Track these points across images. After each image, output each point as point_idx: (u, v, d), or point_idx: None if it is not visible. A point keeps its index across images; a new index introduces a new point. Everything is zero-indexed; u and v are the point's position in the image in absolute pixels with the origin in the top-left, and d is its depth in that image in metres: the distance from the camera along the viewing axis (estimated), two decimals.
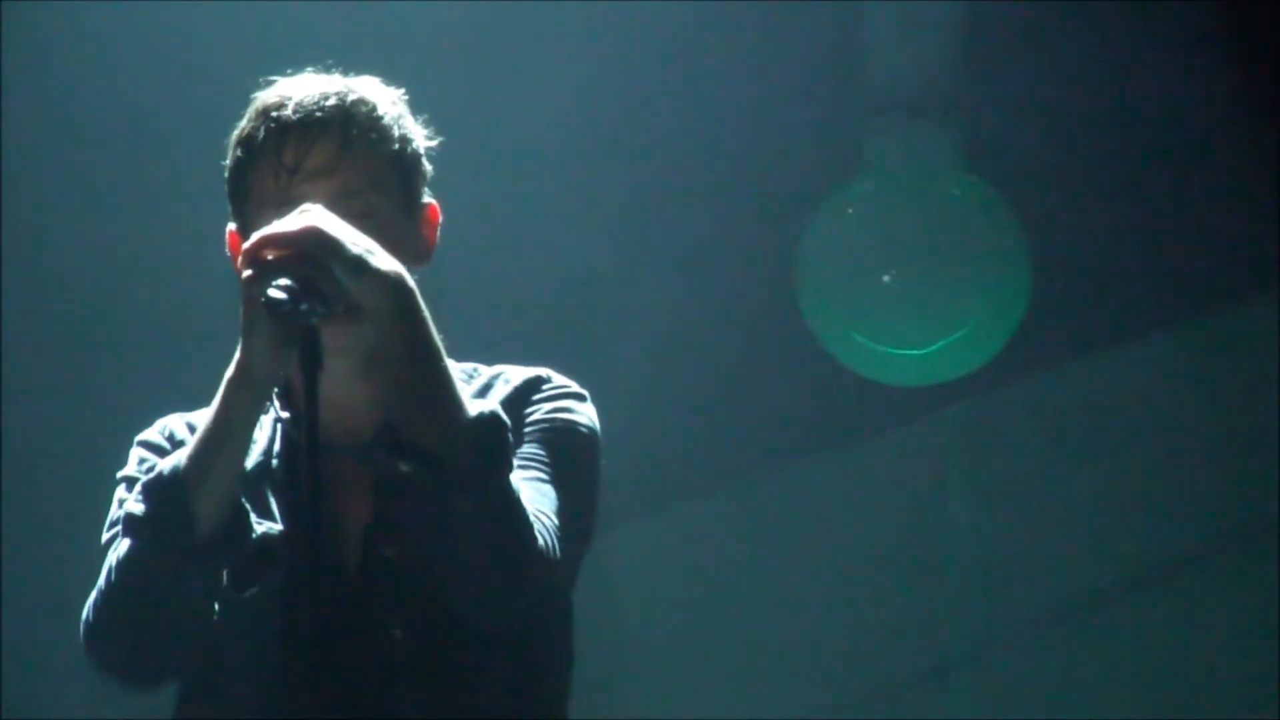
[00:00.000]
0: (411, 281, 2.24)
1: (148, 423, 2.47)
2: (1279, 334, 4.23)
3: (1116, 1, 4.09)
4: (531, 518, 2.27)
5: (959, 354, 3.96)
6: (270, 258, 2.17)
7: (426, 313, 2.26)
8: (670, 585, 4.20)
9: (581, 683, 2.51)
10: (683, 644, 4.19)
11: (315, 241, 2.18)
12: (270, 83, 2.43)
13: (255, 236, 2.19)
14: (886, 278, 3.94)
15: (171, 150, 5.09)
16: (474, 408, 2.26)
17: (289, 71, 2.57)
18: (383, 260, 2.20)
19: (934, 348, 3.98)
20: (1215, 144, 4.10)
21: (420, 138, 2.51)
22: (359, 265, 2.18)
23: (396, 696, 2.36)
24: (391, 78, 2.61)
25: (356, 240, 2.19)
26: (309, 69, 2.46)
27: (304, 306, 2.13)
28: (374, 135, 2.41)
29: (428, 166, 2.50)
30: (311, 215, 2.20)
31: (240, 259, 2.18)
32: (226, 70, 5.30)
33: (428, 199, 2.46)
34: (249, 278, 2.14)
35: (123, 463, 2.43)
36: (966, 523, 4.30)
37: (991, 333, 3.90)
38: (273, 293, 2.11)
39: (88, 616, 2.31)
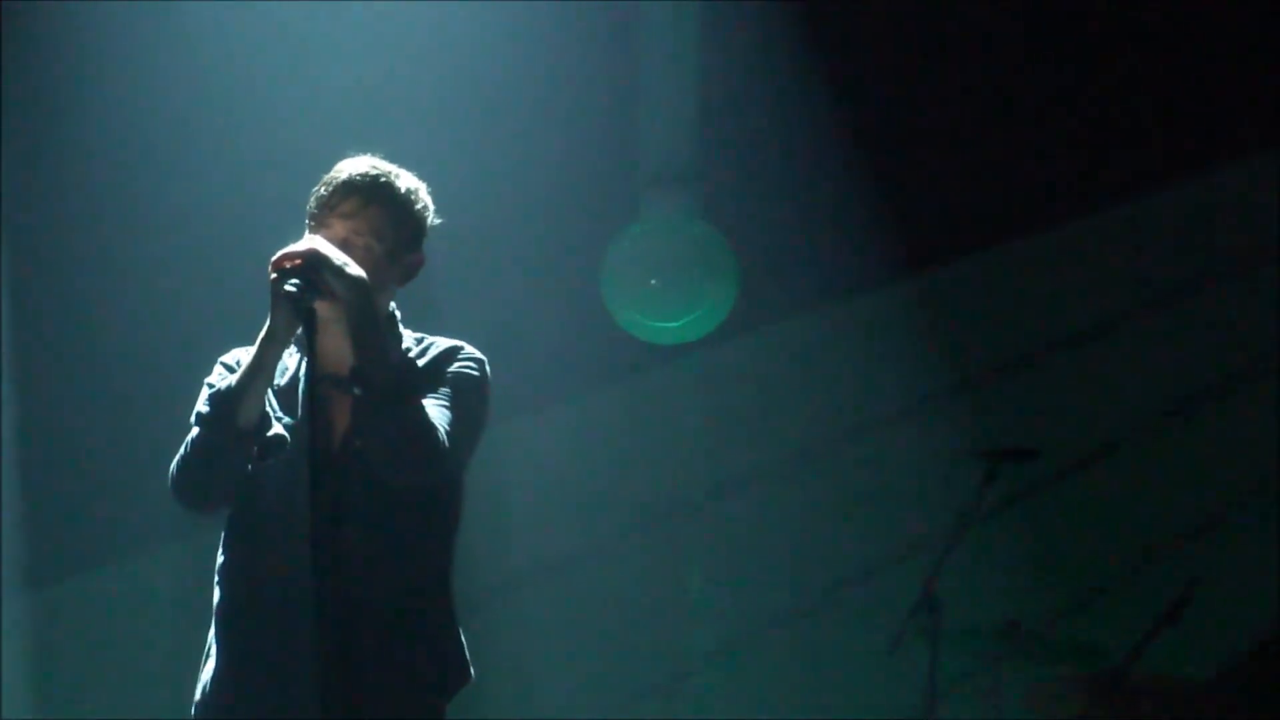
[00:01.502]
0: (368, 284, 3.37)
1: (225, 351, 3.63)
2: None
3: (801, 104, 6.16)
4: (434, 424, 3.41)
5: (695, 326, 6.32)
6: (287, 265, 3.30)
7: (374, 302, 3.40)
8: (527, 464, 6.03)
9: (469, 532, 3.73)
10: (543, 505, 6.06)
11: (312, 257, 3.30)
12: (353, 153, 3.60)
13: (278, 254, 3.30)
14: (653, 281, 6.20)
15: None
16: (397, 357, 3.46)
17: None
18: (354, 270, 3.32)
19: (680, 323, 6.34)
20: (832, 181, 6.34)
21: (424, 215, 3.66)
22: (338, 272, 3.29)
23: (353, 529, 3.48)
24: None
25: (338, 257, 3.29)
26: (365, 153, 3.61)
27: (307, 294, 3.27)
28: (386, 204, 3.53)
29: (425, 231, 3.65)
30: (313, 241, 3.33)
31: (270, 267, 3.31)
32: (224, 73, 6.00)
33: (420, 253, 3.64)
34: (275, 278, 3.30)
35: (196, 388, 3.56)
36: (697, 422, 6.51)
37: (713, 314, 6.27)
38: (288, 286, 3.27)
39: (172, 470, 3.51)
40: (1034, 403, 6.71)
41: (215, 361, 3.74)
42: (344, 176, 3.65)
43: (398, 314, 3.77)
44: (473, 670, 3.86)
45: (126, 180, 6.63)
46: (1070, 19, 6.61)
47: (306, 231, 3.66)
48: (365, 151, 3.74)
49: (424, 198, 3.74)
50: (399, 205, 3.68)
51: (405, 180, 3.70)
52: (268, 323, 3.51)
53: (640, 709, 6.67)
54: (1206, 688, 6.08)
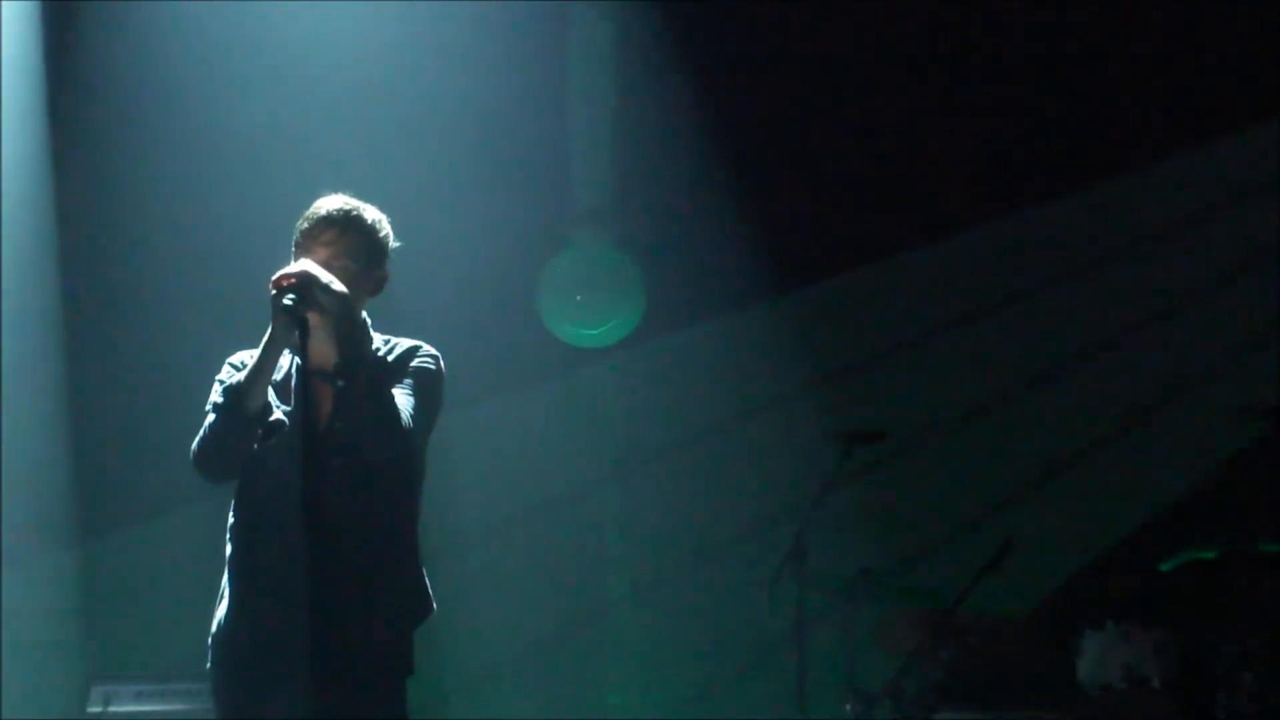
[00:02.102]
0: (349, 298, 3.83)
1: (230, 353, 4.11)
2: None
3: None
4: (400, 409, 3.89)
5: (611, 334, 7.55)
6: (284, 284, 3.74)
7: (354, 311, 3.88)
8: (479, 443, 6.81)
9: (428, 497, 4.24)
10: (490, 476, 6.84)
11: (304, 276, 3.74)
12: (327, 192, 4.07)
13: (276, 274, 3.75)
14: (579, 298, 7.34)
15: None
16: (370, 355, 3.92)
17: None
18: (338, 286, 3.77)
19: (600, 330, 7.58)
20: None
21: (387, 240, 4.13)
22: (325, 289, 3.74)
23: (335, 493, 3.91)
24: None
25: (324, 276, 3.75)
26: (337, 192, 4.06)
27: (300, 307, 3.71)
28: (357, 233, 4.02)
29: (387, 253, 4.12)
30: (304, 264, 3.78)
31: (270, 285, 3.77)
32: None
33: (385, 269, 4.11)
34: (275, 294, 3.74)
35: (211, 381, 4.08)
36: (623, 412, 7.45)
37: (625, 324, 7.52)
38: (285, 300, 3.70)
39: (193, 449, 3.99)
40: (880, 394, 7.54)
41: (224, 361, 4.22)
42: (323, 212, 4.14)
43: (368, 320, 4.20)
44: (434, 604, 4.33)
45: (166, 195, 7.34)
46: (912, 89, 7.47)
47: (293, 256, 4.12)
48: (337, 187, 4.24)
49: (385, 226, 4.24)
50: (367, 233, 4.18)
51: (370, 213, 4.19)
52: (269, 330, 3.99)
53: (568, 638, 7.36)
54: (1019, 623, 6.89)
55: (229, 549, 4.20)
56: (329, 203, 4.17)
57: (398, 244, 4.29)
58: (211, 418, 4.08)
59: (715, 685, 7.34)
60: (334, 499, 4.04)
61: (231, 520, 4.21)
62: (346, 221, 4.13)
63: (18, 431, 7.03)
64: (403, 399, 4.10)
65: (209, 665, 4.30)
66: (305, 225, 4.14)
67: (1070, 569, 7.36)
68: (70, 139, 7.40)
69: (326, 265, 4.02)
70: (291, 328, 3.94)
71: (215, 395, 4.12)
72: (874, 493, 7.30)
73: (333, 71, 7.23)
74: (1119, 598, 6.81)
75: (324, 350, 3.99)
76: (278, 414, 4.13)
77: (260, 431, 4.09)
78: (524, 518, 7.37)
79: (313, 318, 3.91)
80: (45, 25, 7.37)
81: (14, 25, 7.33)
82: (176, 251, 7.21)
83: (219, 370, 4.23)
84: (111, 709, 6.37)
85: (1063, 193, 7.38)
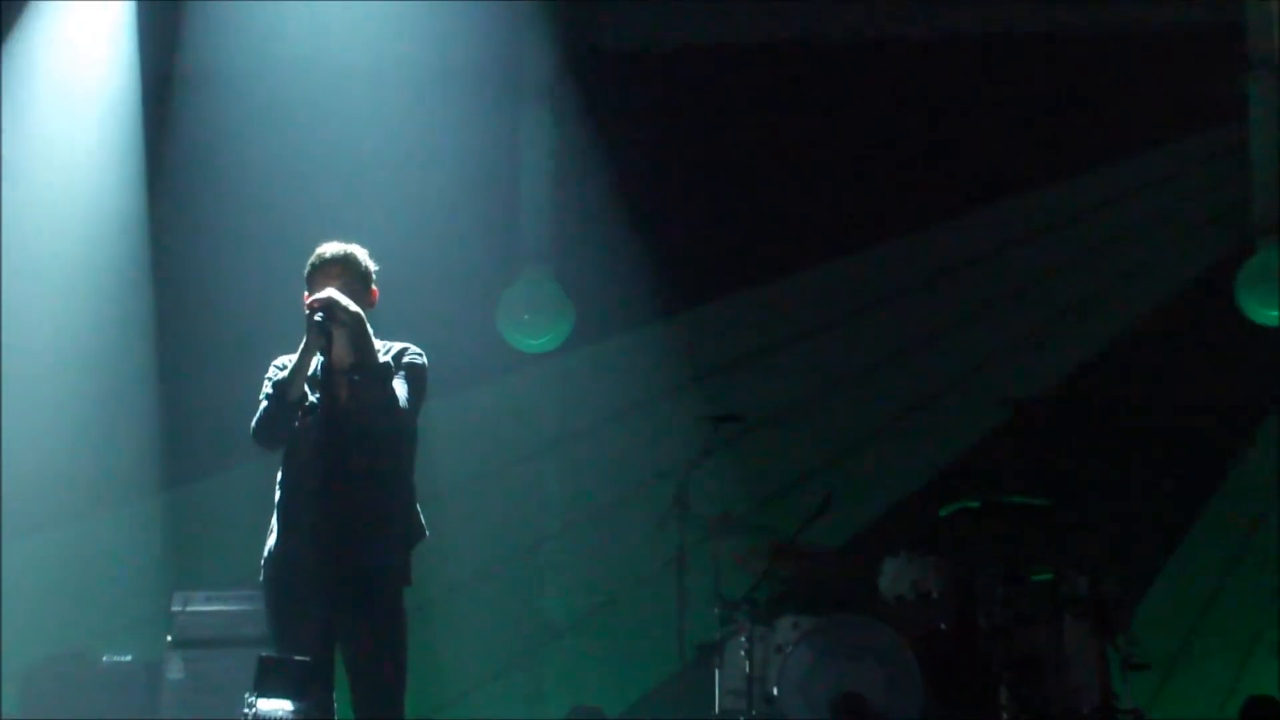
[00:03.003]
0: (361, 315, 4.38)
1: (274, 356, 4.59)
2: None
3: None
4: (397, 395, 4.44)
5: (548, 344, 8.76)
6: (315, 305, 4.35)
7: (364, 324, 4.39)
8: (447, 428, 7.10)
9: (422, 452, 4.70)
10: (453, 449, 7.51)
11: (329, 300, 4.35)
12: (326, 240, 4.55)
13: (310, 299, 4.38)
14: (525, 316, 8.56)
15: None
16: (380, 358, 4.42)
17: None
18: (353, 307, 4.36)
19: (540, 341, 8.82)
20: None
21: (371, 270, 4.57)
22: (344, 309, 4.33)
23: (352, 456, 4.41)
24: None
25: (343, 299, 4.35)
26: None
27: (328, 323, 4.32)
28: (353, 267, 4.54)
29: (373, 278, 4.58)
30: (328, 291, 4.39)
31: (305, 305, 4.39)
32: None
33: (374, 290, 4.57)
34: (309, 314, 4.34)
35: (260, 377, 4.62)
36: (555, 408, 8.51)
37: (558, 338, 8.78)
38: (316, 318, 4.30)
39: (252, 426, 4.51)
40: (741, 389, 8.56)
41: (270, 363, 4.65)
42: (328, 254, 4.62)
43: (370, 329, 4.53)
44: (426, 531, 4.72)
45: (233, 215, 8.23)
46: (767, 165, 8.62)
47: (306, 287, 4.58)
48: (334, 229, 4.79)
49: (369, 260, 4.68)
50: (361, 268, 4.66)
51: (360, 252, 4.67)
52: (305, 339, 4.45)
53: (513, 560, 8.45)
54: (838, 551, 7.72)
55: (277, 495, 4.64)
56: (330, 247, 4.65)
57: (377, 268, 4.74)
58: (264, 404, 4.57)
59: (619, 594, 8.37)
60: (351, 460, 4.46)
61: (280, 476, 4.65)
62: (346, 260, 4.64)
63: (123, 405, 8.01)
64: (399, 387, 4.54)
65: (261, 579, 4.69)
66: (316, 263, 4.62)
67: (875, 513, 8.29)
68: (162, 166, 8.27)
69: (339, 292, 4.47)
70: (320, 337, 4.41)
71: (266, 388, 4.60)
72: (734, 458, 8.13)
73: (346, 134, 8.23)
74: (910, 534, 7.49)
75: (343, 353, 4.46)
76: (311, 400, 4.54)
77: (299, 413, 4.53)
78: (485, 476, 8.46)
79: (335, 330, 4.41)
80: (144, 70, 8.15)
81: (114, 80, 8.03)
82: (240, 263, 8.06)
83: (267, 368, 4.65)
84: (189, 608, 7.23)
85: (872, 245, 8.54)
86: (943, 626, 7.17)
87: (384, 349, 4.55)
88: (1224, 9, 8.52)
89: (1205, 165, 8.72)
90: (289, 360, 4.50)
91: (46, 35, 7.96)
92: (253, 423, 4.56)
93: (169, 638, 7.25)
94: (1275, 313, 8.56)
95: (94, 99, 7.85)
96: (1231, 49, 8.62)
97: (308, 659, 4.41)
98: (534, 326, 8.88)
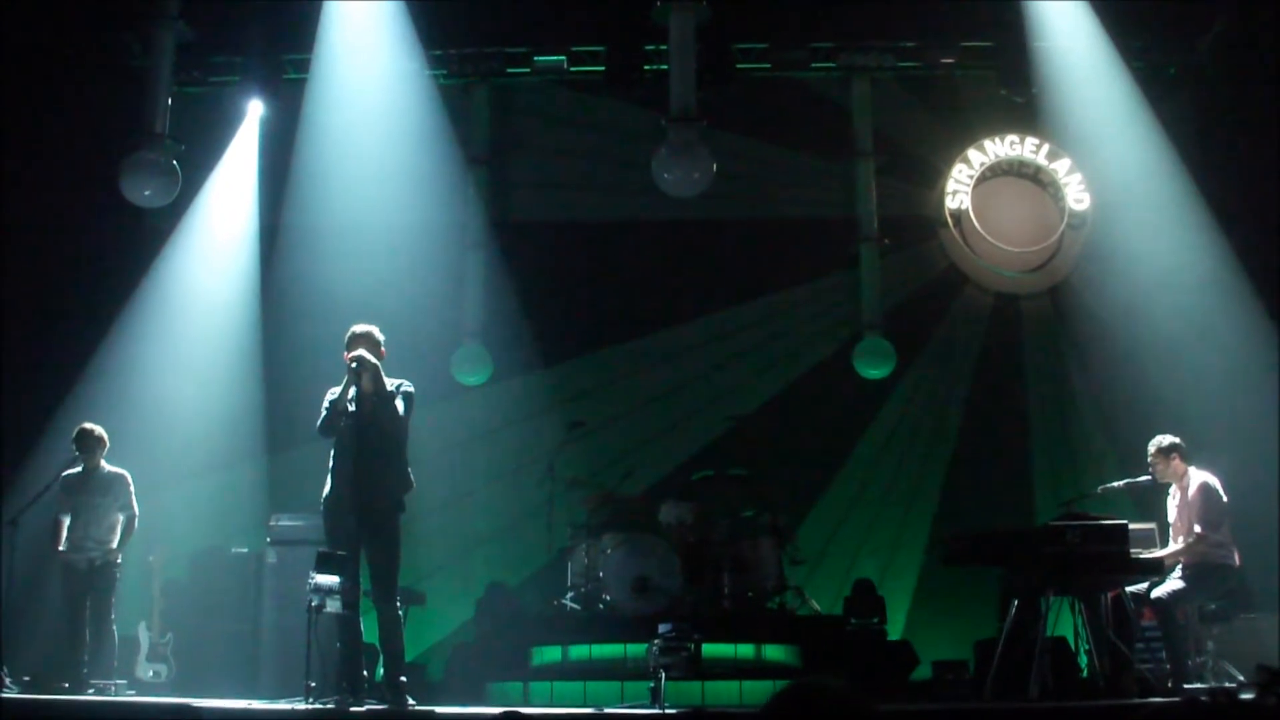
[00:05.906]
0: (378, 365, 6.92)
1: (328, 387, 6.99)
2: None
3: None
4: (399, 410, 6.95)
5: (477, 381, 11.40)
6: (351, 360, 6.93)
7: (380, 371, 6.96)
8: (440, 418, 9.42)
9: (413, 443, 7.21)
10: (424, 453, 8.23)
11: (360, 355, 6.92)
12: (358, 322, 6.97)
13: (348, 355, 6.94)
14: (466, 366, 11.27)
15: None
16: (390, 386, 7.00)
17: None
18: (372, 359, 6.94)
19: (475, 379, 11.55)
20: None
21: (380, 338, 6.99)
22: (368, 363, 6.91)
23: (371, 442, 6.93)
24: None
25: (368, 354, 6.93)
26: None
27: (359, 368, 6.95)
28: (372, 337, 7.05)
29: (381, 343, 6.97)
30: (359, 350, 6.97)
31: (346, 358, 6.97)
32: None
33: (382, 349, 6.99)
34: (349, 363, 6.90)
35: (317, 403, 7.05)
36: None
37: (483, 377, 11.44)
38: (353, 365, 6.94)
39: (317, 426, 7.08)
40: (588, 406, 10.58)
41: (326, 392, 6.48)
42: (359, 330, 6.53)
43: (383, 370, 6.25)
44: (414, 483, 6.27)
45: (314, 302, 10.16)
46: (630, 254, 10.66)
47: (345, 347, 6.41)
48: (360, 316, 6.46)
49: (380, 334, 6.56)
50: (375, 337, 6.54)
51: (374, 329, 6.55)
52: (346, 377, 6.39)
53: (446, 509, 10.38)
54: (638, 497, 9.64)
55: (330, 462, 6.50)
56: (360, 326, 6.46)
57: (384, 338, 6.42)
58: (324, 413, 6.51)
59: (516, 520, 10.56)
60: (372, 443, 6.40)
61: (332, 451, 6.47)
62: (368, 335, 6.55)
63: (243, 406, 10.20)
64: (399, 403, 6.37)
65: (322, 509, 6.41)
66: (351, 335, 6.43)
67: (658, 477, 10.57)
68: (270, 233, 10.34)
69: (366, 352, 6.29)
70: (354, 378, 6.19)
71: (324, 405, 6.43)
72: (580, 446, 10.21)
73: (371, 267, 10.46)
74: (677, 489, 9.77)
75: (367, 385, 6.28)
76: (350, 410, 6.41)
77: (343, 420, 6.28)
78: (444, 452, 10.64)
79: (363, 375, 6.24)
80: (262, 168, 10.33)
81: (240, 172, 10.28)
82: (313, 330, 9.87)
83: (325, 391, 6.43)
84: (279, 523, 9.18)
85: (656, 330, 11.19)
86: (691, 540, 9.19)
87: (389, 383, 6.46)
88: (846, 204, 11.47)
89: (837, 292, 11.49)
90: (336, 390, 6.33)
91: (203, 199, 10.93)
92: (317, 424, 6.53)
93: (268, 539, 9.19)
94: (876, 372, 11.45)
95: (227, 245, 10.64)
96: (850, 227, 11.61)
97: (345, 553, 6.00)
98: (471, 371, 11.23)
